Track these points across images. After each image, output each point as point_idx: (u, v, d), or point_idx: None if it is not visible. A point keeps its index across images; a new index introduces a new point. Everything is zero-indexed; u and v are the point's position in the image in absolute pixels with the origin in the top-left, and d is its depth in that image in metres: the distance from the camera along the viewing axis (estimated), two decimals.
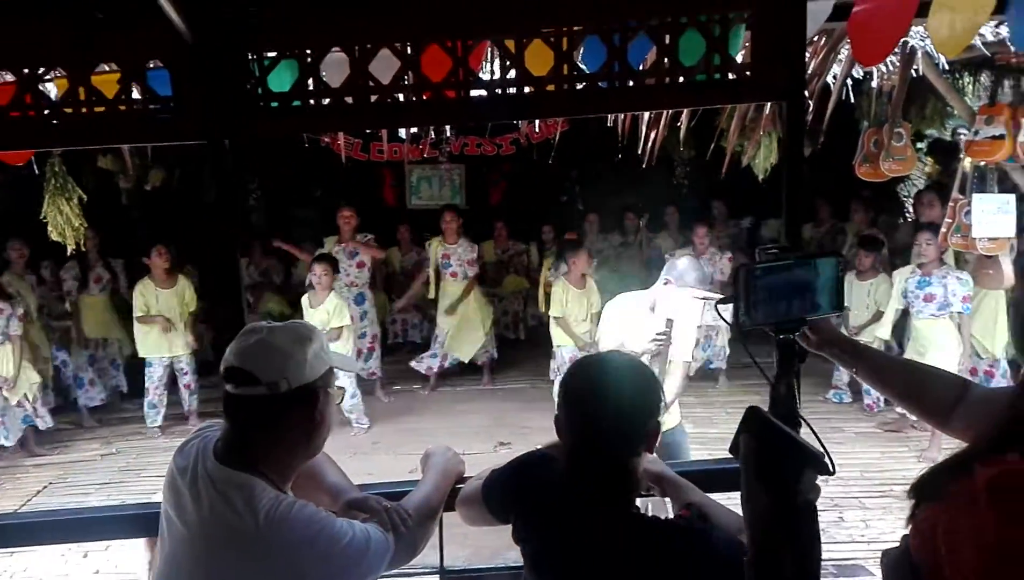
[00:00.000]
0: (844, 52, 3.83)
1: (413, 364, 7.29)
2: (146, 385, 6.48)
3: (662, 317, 3.26)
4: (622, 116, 4.41)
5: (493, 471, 1.67)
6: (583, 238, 8.14)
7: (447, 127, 7.22)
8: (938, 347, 5.24)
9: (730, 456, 1.20)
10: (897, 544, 1.11)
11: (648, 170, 5.51)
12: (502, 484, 1.63)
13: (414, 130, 6.66)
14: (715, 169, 5.93)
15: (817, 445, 1.12)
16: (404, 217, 9.12)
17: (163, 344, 6.41)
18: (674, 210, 8.58)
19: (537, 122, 7.16)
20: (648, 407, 1.43)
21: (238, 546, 1.36)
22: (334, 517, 1.44)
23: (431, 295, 7.33)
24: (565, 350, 6.25)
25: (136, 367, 7.41)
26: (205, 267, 7.88)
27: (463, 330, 7.12)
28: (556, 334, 6.34)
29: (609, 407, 1.40)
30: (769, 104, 4.37)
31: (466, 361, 7.25)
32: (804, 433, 1.20)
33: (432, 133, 7.63)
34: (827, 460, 1.08)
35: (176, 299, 6.42)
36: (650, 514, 1.50)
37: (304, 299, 6.16)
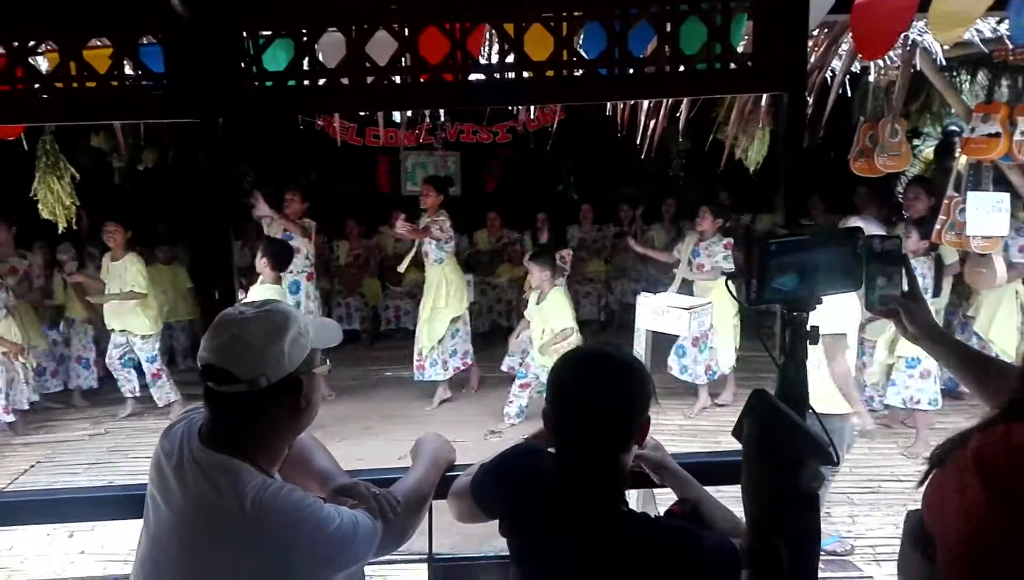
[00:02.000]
0: (845, 46, 3.81)
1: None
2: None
3: None
4: (621, 105, 4.38)
5: (481, 466, 1.65)
6: (548, 242, 7.41)
7: (443, 113, 7.16)
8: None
9: (728, 449, 1.18)
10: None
11: (644, 161, 5.48)
12: (490, 479, 1.61)
13: (409, 115, 6.59)
14: (711, 162, 5.91)
15: (823, 435, 1.11)
16: (398, 203, 9.09)
17: (113, 318, 6.31)
18: (671, 202, 8.57)
19: (533, 110, 7.12)
20: (638, 402, 1.40)
21: (224, 530, 1.35)
22: (321, 502, 1.42)
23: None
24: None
25: None
26: (198, 248, 7.84)
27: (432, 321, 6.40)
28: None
29: (597, 403, 1.38)
30: (765, 96, 4.36)
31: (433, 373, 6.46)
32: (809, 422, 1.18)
33: (428, 119, 7.58)
34: (832, 450, 1.07)
35: (119, 273, 6.24)
36: (640, 508, 1.49)
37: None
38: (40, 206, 5.75)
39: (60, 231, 5.97)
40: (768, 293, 1.24)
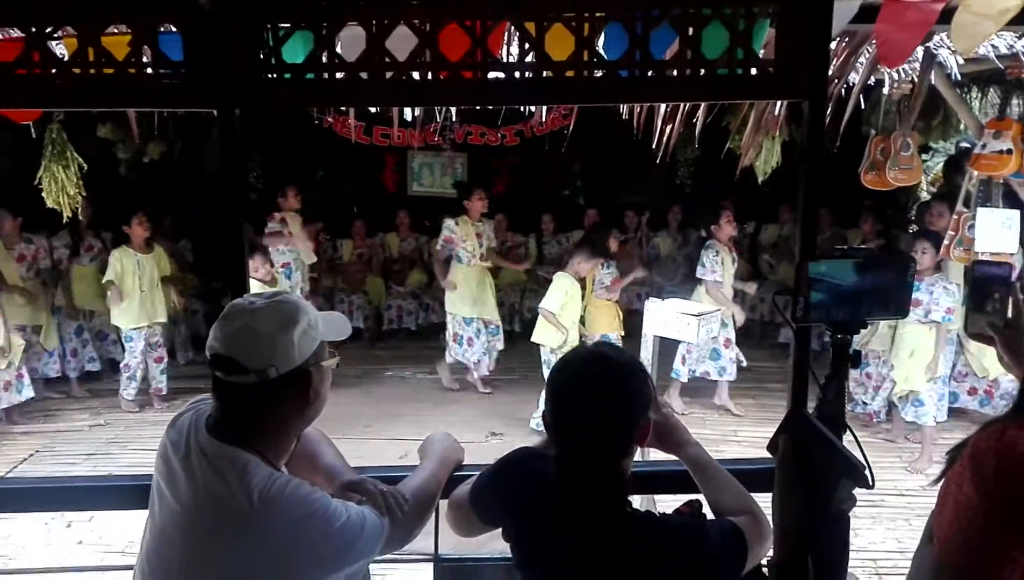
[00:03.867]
0: (863, 57, 3.79)
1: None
2: (127, 360, 6.44)
3: None
4: (638, 109, 4.35)
5: (479, 475, 1.64)
6: (594, 234, 7.80)
7: (452, 113, 7.14)
8: (918, 353, 5.25)
9: (743, 458, 1.17)
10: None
11: (651, 168, 5.46)
12: (489, 486, 1.59)
13: (418, 113, 6.57)
14: (719, 170, 5.87)
15: (860, 456, 1.10)
16: (403, 203, 9.08)
17: (144, 313, 6.36)
18: (677, 209, 8.56)
19: (544, 114, 7.10)
20: (637, 404, 1.39)
21: (230, 524, 1.33)
22: (329, 498, 1.41)
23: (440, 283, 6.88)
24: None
25: None
26: (201, 240, 7.83)
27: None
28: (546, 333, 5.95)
29: (596, 407, 1.36)
30: (780, 106, 4.34)
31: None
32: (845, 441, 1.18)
33: (437, 119, 7.56)
34: (867, 473, 1.06)
35: (155, 265, 6.45)
36: (643, 509, 1.47)
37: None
38: (44, 194, 5.74)
39: (64, 220, 5.96)
40: (813, 313, 1.23)
